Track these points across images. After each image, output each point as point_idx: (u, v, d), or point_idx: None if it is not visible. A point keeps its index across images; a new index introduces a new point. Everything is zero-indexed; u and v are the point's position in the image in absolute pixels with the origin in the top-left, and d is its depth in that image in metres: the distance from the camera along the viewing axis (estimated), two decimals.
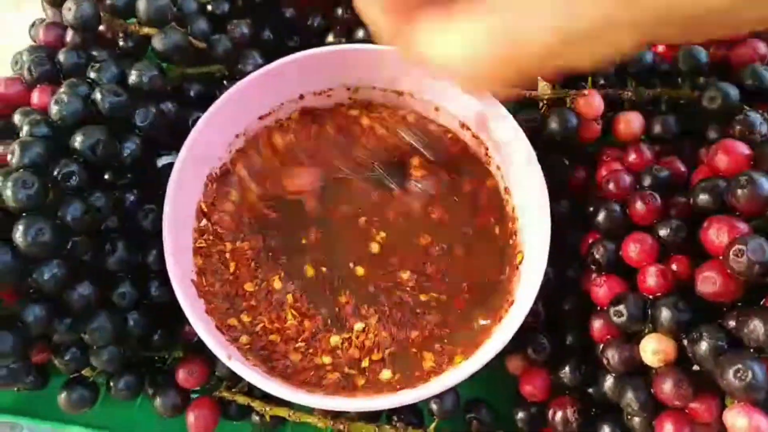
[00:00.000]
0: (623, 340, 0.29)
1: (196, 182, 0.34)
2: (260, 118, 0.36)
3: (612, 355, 0.29)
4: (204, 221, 0.34)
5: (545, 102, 0.35)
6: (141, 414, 0.36)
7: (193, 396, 0.34)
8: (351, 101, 0.37)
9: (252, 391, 0.34)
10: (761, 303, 0.27)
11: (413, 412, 0.33)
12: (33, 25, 0.38)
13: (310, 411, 0.33)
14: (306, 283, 0.33)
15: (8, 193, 0.27)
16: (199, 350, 0.33)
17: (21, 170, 0.28)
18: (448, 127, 0.37)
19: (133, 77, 0.33)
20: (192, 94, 0.37)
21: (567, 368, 0.32)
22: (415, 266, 0.34)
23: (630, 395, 0.28)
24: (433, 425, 0.32)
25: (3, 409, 0.36)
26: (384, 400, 0.29)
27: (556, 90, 0.35)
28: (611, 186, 0.32)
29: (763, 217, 0.27)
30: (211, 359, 0.33)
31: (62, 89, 0.31)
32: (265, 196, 0.35)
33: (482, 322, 0.32)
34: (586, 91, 0.34)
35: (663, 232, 0.30)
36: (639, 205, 0.30)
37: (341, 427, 0.32)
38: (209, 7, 0.39)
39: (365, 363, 0.32)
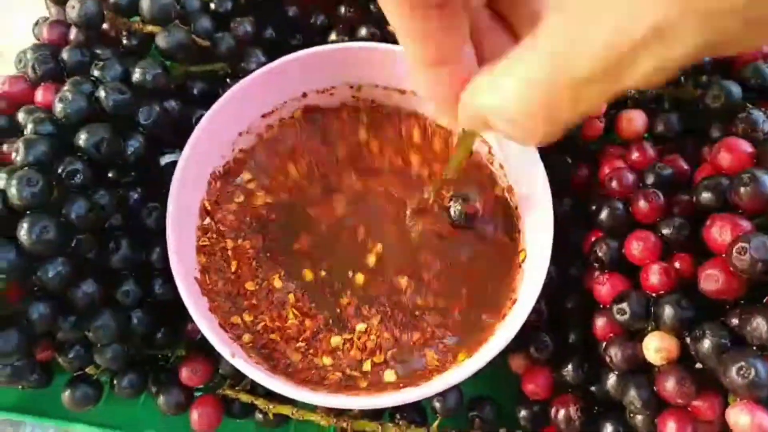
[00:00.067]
0: (626, 338, 0.29)
1: (199, 180, 0.34)
2: (263, 116, 0.36)
3: (615, 353, 0.29)
4: (207, 219, 0.34)
5: None
6: (144, 412, 0.36)
7: (197, 394, 0.34)
8: (354, 99, 0.37)
9: (255, 389, 0.34)
10: (764, 301, 0.27)
11: (416, 410, 0.33)
12: (37, 23, 0.38)
13: (313, 409, 0.33)
14: (307, 284, 0.34)
15: (13, 190, 0.27)
16: (202, 348, 0.33)
17: (25, 168, 0.28)
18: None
19: (136, 75, 0.33)
20: (195, 92, 0.37)
21: (570, 366, 0.32)
22: (413, 273, 0.33)
23: (633, 393, 0.28)
24: (435, 423, 0.32)
25: (7, 407, 0.36)
26: (387, 398, 0.30)
27: None
28: (614, 184, 0.32)
29: (766, 215, 0.27)
30: (214, 357, 0.33)
31: (66, 87, 0.31)
32: (269, 197, 0.35)
33: (485, 320, 0.32)
34: None
35: (666, 230, 0.30)
36: (642, 203, 0.30)
37: (344, 425, 0.32)
38: (212, 6, 0.39)
39: (367, 366, 0.32)
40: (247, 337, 0.32)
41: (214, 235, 0.34)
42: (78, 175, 0.29)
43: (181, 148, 0.32)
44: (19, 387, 0.35)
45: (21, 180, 0.27)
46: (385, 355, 0.32)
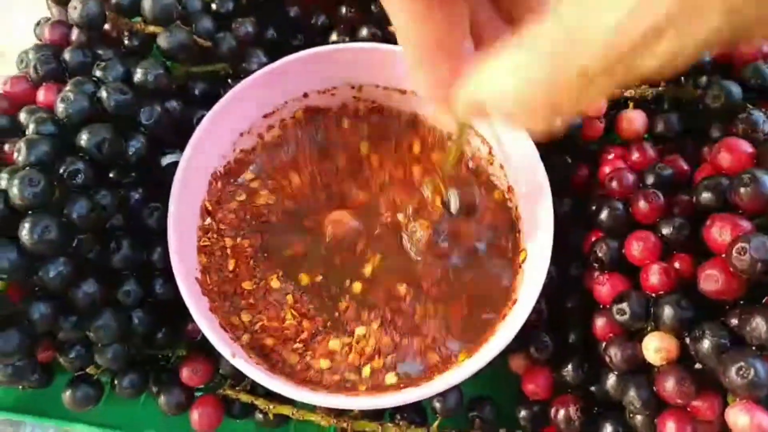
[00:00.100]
0: (626, 338, 0.29)
1: (200, 181, 0.34)
2: (264, 116, 0.36)
3: (614, 353, 0.29)
4: (208, 219, 0.34)
5: None
6: (145, 412, 0.36)
7: (197, 394, 0.34)
8: (355, 100, 0.37)
9: (255, 389, 0.34)
10: (763, 301, 0.27)
11: (416, 411, 0.33)
12: (38, 23, 0.39)
13: (313, 409, 0.33)
14: (304, 287, 0.33)
15: (15, 190, 0.27)
16: (203, 348, 0.33)
17: (27, 168, 0.28)
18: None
19: (138, 76, 0.34)
20: (197, 92, 0.37)
21: (569, 366, 0.32)
22: (412, 281, 0.33)
23: (632, 393, 0.28)
24: (436, 423, 0.32)
25: (7, 406, 0.36)
26: (387, 399, 0.30)
27: None
28: (614, 184, 0.32)
29: (766, 215, 0.27)
30: (215, 357, 0.33)
31: (68, 87, 0.31)
32: (271, 197, 0.36)
33: (485, 320, 0.32)
34: None
35: (666, 231, 0.30)
36: (642, 204, 0.30)
37: (344, 425, 0.32)
38: (214, 6, 0.39)
39: (366, 372, 0.31)
40: (245, 338, 0.32)
41: (215, 235, 0.34)
42: (79, 175, 0.29)
43: (182, 148, 0.33)
44: (20, 387, 0.35)
45: (23, 180, 0.27)
46: (385, 360, 0.32)
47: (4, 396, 0.36)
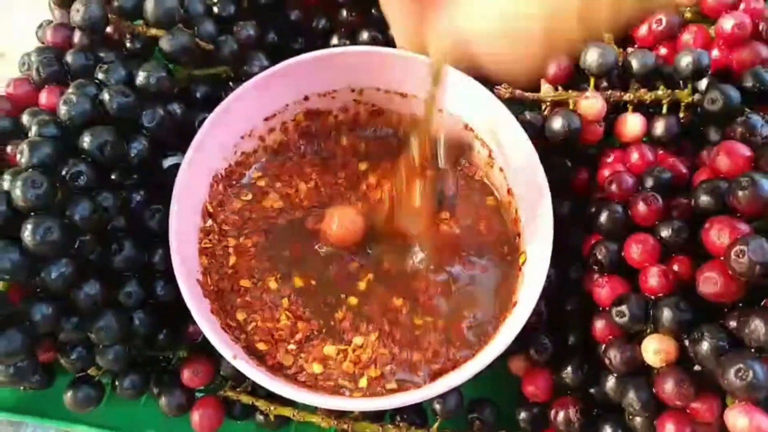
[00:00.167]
0: (625, 340, 0.30)
1: (202, 183, 0.34)
2: (266, 119, 0.36)
3: (614, 355, 0.29)
4: (209, 221, 0.35)
5: (548, 104, 0.35)
6: (146, 413, 0.36)
7: (198, 395, 0.35)
8: (356, 103, 0.37)
9: (256, 390, 0.34)
10: (762, 303, 0.27)
11: (417, 412, 0.33)
12: (41, 26, 0.39)
13: (313, 410, 0.33)
14: (301, 291, 0.34)
15: (17, 192, 0.27)
16: (203, 350, 0.33)
17: (30, 170, 0.28)
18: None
19: (140, 78, 0.34)
20: (198, 95, 0.37)
21: (569, 368, 0.32)
22: (409, 295, 0.33)
23: (632, 395, 0.28)
24: (436, 425, 0.32)
25: (8, 407, 0.36)
26: (388, 401, 0.30)
27: (559, 92, 0.35)
28: (613, 187, 0.32)
29: (765, 218, 0.27)
30: (216, 359, 0.33)
31: (70, 90, 0.32)
32: (277, 199, 0.36)
33: (485, 322, 0.33)
34: (588, 93, 0.34)
35: (665, 233, 0.30)
36: (641, 206, 0.30)
37: (345, 426, 0.32)
38: (216, 9, 0.39)
39: (363, 382, 0.31)
40: (242, 338, 0.32)
41: (216, 237, 0.34)
42: (82, 177, 0.29)
43: (183, 150, 0.33)
44: (21, 388, 0.35)
45: (25, 182, 0.27)
46: (383, 370, 0.31)
47: (5, 397, 0.36)
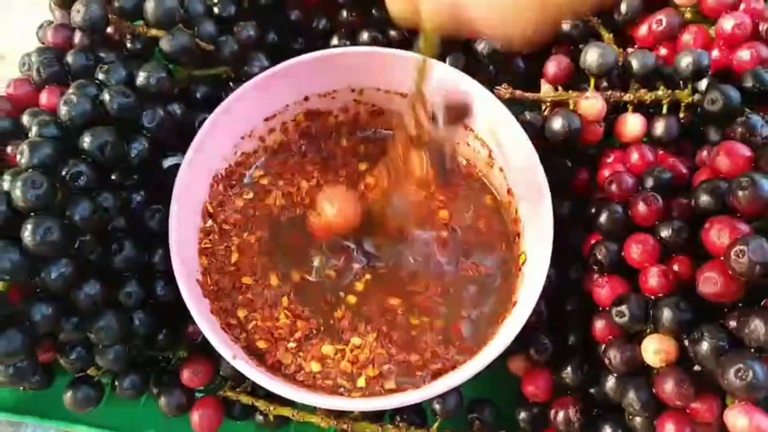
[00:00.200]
0: (625, 340, 0.30)
1: (202, 183, 0.34)
2: (266, 119, 0.36)
3: (614, 356, 0.29)
4: (210, 221, 0.35)
5: (548, 104, 0.35)
6: (146, 413, 0.36)
7: (198, 395, 0.35)
8: (356, 103, 0.37)
9: (256, 390, 0.34)
10: (762, 303, 0.27)
11: (416, 412, 0.33)
12: (41, 26, 0.39)
13: (313, 411, 0.33)
14: (301, 289, 0.34)
15: (17, 192, 0.27)
16: (203, 350, 0.33)
17: (30, 170, 0.28)
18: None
19: (140, 79, 0.34)
20: (198, 95, 0.37)
21: (569, 368, 0.32)
22: (406, 296, 0.34)
23: (632, 395, 0.28)
24: (435, 425, 0.32)
25: (7, 407, 0.36)
26: (387, 401, 0.30)
27: (559, 92, 0.35)
28: (613, 187, 0.32)
29: (764, 218, 0.27)
30: (215, 359, 0.33)
31: (71, 90, 0.32)
32: (279, 196, 0.36)
33: (485, 322, 0.33)
34: (588, 94, 0.34)
35: (665, 233, 0.30)
36: (641, 207, 0.30)
37: (344, 426, 0.32)
38: (216, 10, 0.39)
39: (361, 382, 0.31)
40: (242, 337, 0.32)
41: (217, 237, 0.34)
42: (82, 178, 0.29)
43: (184, 151, 0.33)
44: (21, 388, 0.35)
45: (25, 182, 0.27)
46: (380, 369, 0.32)
47: (5, 397, 0.36)
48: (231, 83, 0.38)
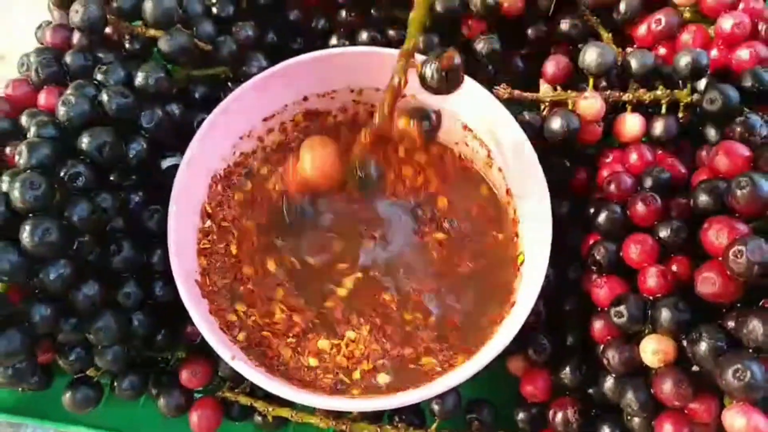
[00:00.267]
0: (623, 340, 0.30)
1: (200, 183, 0.34)
2: (264, 119, 0.36)
3: (612, 356, 0.29)
4: (208, 222, 0.35)
5: (547, 104, 0.35)
6: (144, 414, 0.36)
7: (197, 396, 0.35)
8: (355, 103, 0.37)
9: (254, 391, 0.34)
10: (760, 304, 0.27)
11: (415, 413, 0.33)
12: (39, 27, 0.39)
13: (312, 411, 0.33)
14: (295, 276, 0.34)
15: (16, 193, 0.27)
16: (202, 350, 0.33)
17: (28, 171, 0.28)
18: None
19: (139, 79, 0.34)
20: (197, 95, 0.37)
21: (567, 369, 0.32)
22: (400, 290, 0.34)
23: (630, 395, 0.28)
24: (434, 425, 0.32)
25: (7, 408, 0.36)
26: (386, 401, 0.30)
27: (558, 92, 0.35)
28: (612, 187, 0.32)
29: (763, 219, 0.27)
30: (214, 359, 0.33)
31: (69, 91, 0.32)
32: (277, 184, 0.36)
33: (483, 323, 0.33)
34: (587, 93, 0.34)
35: (663, 233, 0.30)
36: (639, 207, 0.30)
37: (343, 427, 0.32)
38: (214, 10, 0.39)
39: (357, 375, 0.32)
40: (241, 336, 0.32)
41: (215, 236, 0.34)
42: (80, 178, 0.29)
43: (182, 151, 0.33)
44: (20, 389, 0.35)
45: (24, 183, 0.27)
46: (375, 364, 0.32)
47: (5, 398, 0.36)
48: (229, 83, 0.38)
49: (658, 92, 0.34)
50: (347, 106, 0.38)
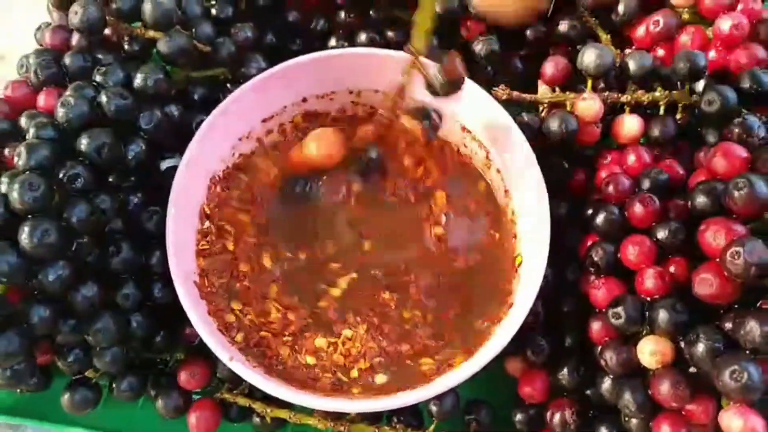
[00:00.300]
0: (621, 341, 0.30)
1: (199, 185, 0.34)
2: (263, 121, 0.36)
3: (610, 357, 0.29)
4: (207, 223, 0.35)
5: (545, 105, 0.35)
6: (143, 415, 0.36)
7: (195, 397, 0.35)
8: (354, 105, 0.37)
9: (253, 393, 0.34)
10: (758, 305, 0.27)
11: (413, 414, 0.33)
12: (39, 28, 0.39)
13: (310, 413, 0.33)
14: (290, 272, 0.34)
15: (15, 194, 0.27)
16: (200, 352, 0.33)
17: (27, 172, 0.28)
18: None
19: (138, 80, 0.34)
20: (196, 97, 0.37)
21: (565, 370, 0.32)
22: (399, 288, 0.34)
23: (628, 397, 0.28)
24: (432, 426, 0.32)
25: (5, 409, 0.36)
26: (385, 402, 0.30)
27: (557, 93, 0.35)
28: (610, 189, 0.32)
29: (761, 220, 0.27)
30: (212, 361, 0.33)
31: (68, 92, 0.32)
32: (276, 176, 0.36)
33: (482, 324, 0.33)
34: (585, 95, 0.34)
35: (661, 235, 0.30)
36: (637, 208, 0.30)
37: (342, 428, 0.32)
38: (213, 11, 0.39)
39: (354, 373, 0.32)
40: (239, 337, 0.32)
41: (214, 238, 0.34)
42: (79, 180, 0.30)
43: (181, 152, 0.33)
44: (18, 390, 0.35)
45: (23, 184, 0.27)
46: (371, 362, 0.32)
47: (3, 399, 0.36)
48: (228, 85, 0.38)
49: (657, 93, 0.34)
50: (346, 107, 0.38)
